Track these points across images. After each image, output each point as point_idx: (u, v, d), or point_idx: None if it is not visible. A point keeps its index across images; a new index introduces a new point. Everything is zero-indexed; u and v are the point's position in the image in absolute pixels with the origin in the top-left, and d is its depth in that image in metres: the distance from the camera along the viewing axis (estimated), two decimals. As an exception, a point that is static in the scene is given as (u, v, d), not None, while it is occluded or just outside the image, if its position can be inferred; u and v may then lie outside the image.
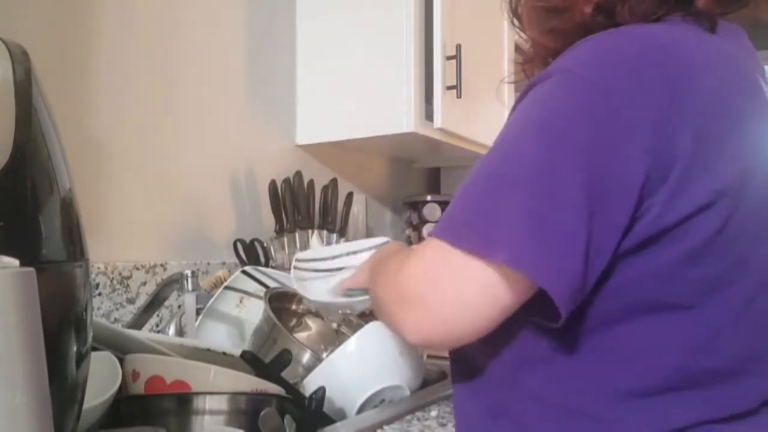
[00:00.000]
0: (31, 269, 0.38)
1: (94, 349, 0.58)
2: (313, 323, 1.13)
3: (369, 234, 1.82)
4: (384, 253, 0.78)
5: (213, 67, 1.36)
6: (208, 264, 1.30)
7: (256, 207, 1.46)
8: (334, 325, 1.14)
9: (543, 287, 0.49)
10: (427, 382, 0.95)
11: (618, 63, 0.52)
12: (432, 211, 1.92)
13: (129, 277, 1.14)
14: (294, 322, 1.12)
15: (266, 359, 0.83)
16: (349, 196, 1.54)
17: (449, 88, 1.49)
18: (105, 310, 1.10)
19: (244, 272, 1.15)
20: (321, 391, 0.79)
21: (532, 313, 0.54)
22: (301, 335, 1.10)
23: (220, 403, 0.72)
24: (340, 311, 1.04)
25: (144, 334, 0.88)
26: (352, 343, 0.87)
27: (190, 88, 1.31)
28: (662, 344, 0.53)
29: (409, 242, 1.95)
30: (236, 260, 1.32)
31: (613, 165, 0.49)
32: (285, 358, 0.82)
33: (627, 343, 0.54)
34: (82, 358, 0.49)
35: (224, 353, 0.84)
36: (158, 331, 1.16)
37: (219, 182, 1.38)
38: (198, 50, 1.33)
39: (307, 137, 1.58)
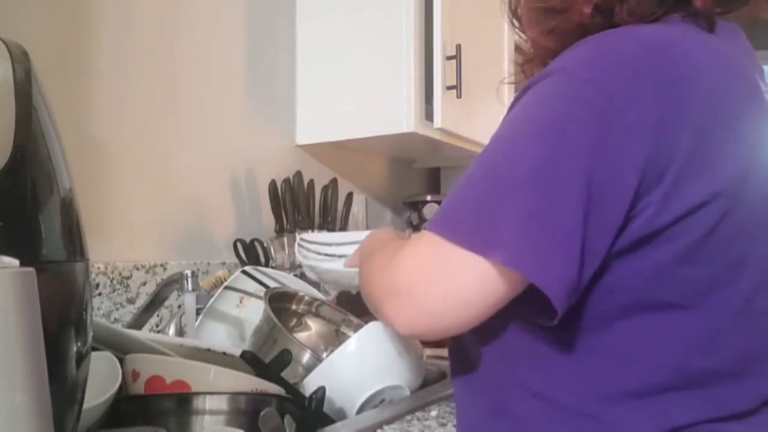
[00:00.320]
0: (31, 269, 0.38)
1: (94, 349, 0.58)
2: (313, 323, 1.13)
3: (369, 234, 1.82)
4: (375, 240, 0.78)
5: (213, 67, 1.36)
6: (208, 264, 1.30)
7: (256, 207, 1.46)
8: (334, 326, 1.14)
9: (538, 285, 0.49)
10: (427, 382, 0.95)
11: (618, 64, 0.52)
12: (432, 211, 1.92)
13: (129, 277, 1.14)
14: (294, 322, 1.12)
15: (266, 359, 0.83)
16: (349, 196, 1.54)
17: (449, 88, 1.49)
18: (105, 310, 1.10)
19: (244, 272, 1.15)
20: (321, 391, 0.79)
21: (529, 312, 0.54)
22: (301, 335, 1.10)
23: (220, 403, 0.72)
24: (338, 283, 1.02)
25: (144, 334, 0.88)
26: (352, 343, 0.87)
27: (190, 88, 1.31)
28: (661, 343, 0.53)
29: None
30: (236, 260, 1.32)
31: (613, 166, 0.49)
32: (285, 358, 0.82)
33: (626, 343, 0.54)
34: (82, 358, 0.49)
35: (224, 353, 0.84)
36: (158, 331, 1.16)
37: (219, 182, 1.38)
38: (198, 50, 1.33)
39: (307, 137, 1.58)
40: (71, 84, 1.09)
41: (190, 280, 1.00)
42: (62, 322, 0.46)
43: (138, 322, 1.07)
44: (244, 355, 0.81)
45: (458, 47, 1.48)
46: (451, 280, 0.53)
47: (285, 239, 1.38)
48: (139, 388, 0.74)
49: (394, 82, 1.46)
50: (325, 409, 0.80)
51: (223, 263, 1.32)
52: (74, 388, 0.49)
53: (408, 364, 0.88)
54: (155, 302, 1.07)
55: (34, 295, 0.38)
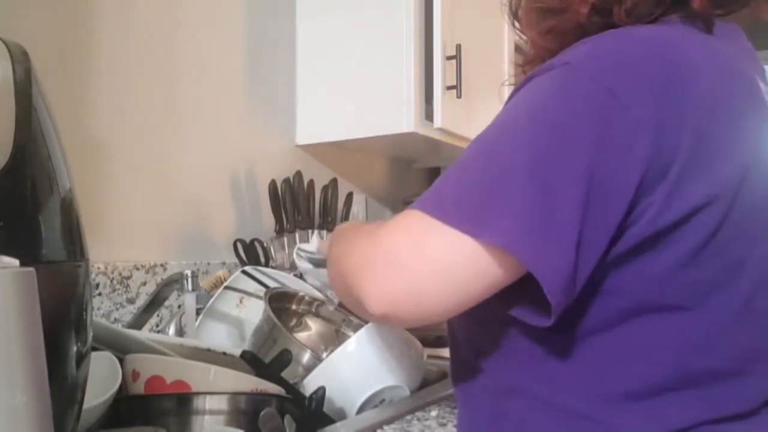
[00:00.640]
0: (31, 269, 0.38)
1: (94, 349, 0.58)
2: (313, 323, 1.13)
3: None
4: (348, 225, 0.74)
5: (213, 67, 1.36)
6: (208, 264, 1.30)
7: (256, 207, 1.46)
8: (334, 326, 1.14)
9: (533, 271, 0.48)
10: (427, 382, 0.95)
11: (617, 64, 0.52)
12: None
13: (129, 277, 1.14)
14: (294, 322, 1.12)
15: (266, 359, 0.83)
16: (349, 196, 1.54)
17: (449, 88, 1.49)
18: (105, 310, 1.10)
19: (244, 272, 1.15)
20: (321, 391, 0.79)
21: (526, 314, 0.53)
22: (301, 335, 1.10)
23: (220, 403, 0.72)
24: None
25: (144, 334, 0.88)
26: (352, 343, 0.87)
27: (190, 88, 1.31)
28: (661, 345, 0.53)
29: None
30: (236, 260, 1.32)
31: (614, 163, 0.49)
32: (285, 358, 0.82)
33: (625, 344, 0.54)
34: (82, 358, 0.49)
35: (224, 353, 0.84)
36: (158, 331, 1.16)
37: (219, 182, 1.38)
38: (198, 50, 1.33)
39: (307, 137, 1.58)
40: (71, 84, 1.09)
41: (190, 280, 1.01)
42: (62, 322, 0.46)
43: (138, 322, 1.07)
44: (244, 355, 0.81)
45: (458, 47, 1.48)
46: (441, 255, 0.50)
47: (285, 239, 1.38)
48: (139, 388, 0.74)
49: (394, 82, 1.46)
50: (325, 409, 0.80)
51: (223, 263, 1.32)
52: (74, 388, 0.49)
53: (408, 364, 0.89)
54: (155, 302, 1.07)
55: (34, 295, 0.38)
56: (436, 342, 1.20)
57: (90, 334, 0.51)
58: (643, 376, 0.53)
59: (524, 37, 0.69)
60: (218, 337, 1.10)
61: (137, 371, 0.75)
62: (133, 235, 1.18)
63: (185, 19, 1.30)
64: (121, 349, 0.78)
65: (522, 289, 0.52)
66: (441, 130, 1.50)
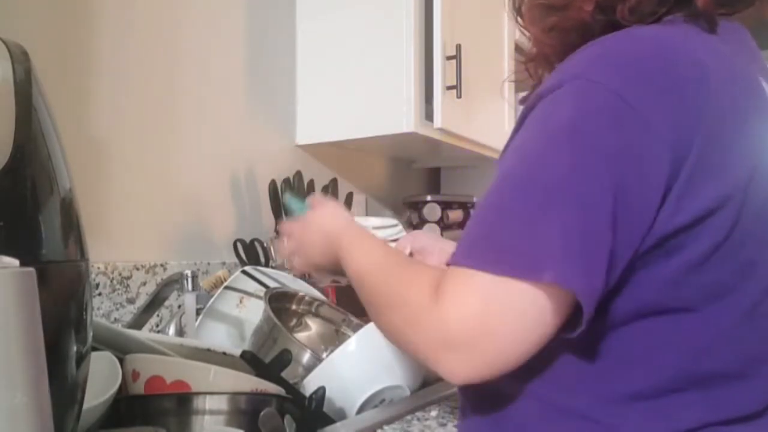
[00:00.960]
0: (31, 269, 0.38)
1: (94, 349, 0.58)
2: (313, 323, 1.13)
3: (369, 234, 1.82)
4: (368, 250, 0.70)
5: (213, 67, 1.36)
6: (208, 264, 1.30)
7: (256, 207, 1.46)
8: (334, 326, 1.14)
9: (581, 300, 0.48)
10: (427, 382, 0.95)
11: (628, 66, 0.52)
12: (432, 211, 1.92)
13: (129, 277, 1.14)
14: (294, 322, 1.12)
15: (266, 359, 0.83)
16: (349, 196, 1.54)
17: (449, 88, 1.49)
18: (105, 310, 1.10)
19: (244, 272, 1.15)
20: (321, 391, 0.79)
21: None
22: (301, 335, 1.10)
23: (220, 403, 0.72)
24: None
25: (144, 334, 0.88)
26: (352, 343, 0.87)
27: (190, 88, 1.31)
28: (667, 346, 0.53)
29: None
30: (236, 260, 1.32)
31: (639, 171, 0.49)
32: (285, 358, 0.82)
33: (631, 346, 0.53)
34: (82, 358, 0.49)
35: (224, 353, 0.84)
36: (158, 331, 1.16)
37: (219, 182, 1.38)
38: (198, 50, 1.33)
39: (307, 137, 1.58)
40: (71, 84, 1.09)
41: (190, 280, 1.01)
42: (62, 322, 0.46)
43: (138, 322, 1.07)
44: (244, 355, 0.81)
45: (458, 47, 1.48)
46: (512, 322, 0.50)
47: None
48: (139, 388, 0.74)
49: (394, 82, 1.46)
50: (325, 409, 0.80)
51: (223, 263, 1.32)
52: (74, 388, 0.49)
53: (408, 364, 0.88)
54: (155, 302, 1.07)
55: (34, 295, 0.38)
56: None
57: (90, 334, 0.51)
58: (648, 377, 0.53)
59: (527, 33, 0.69)
60: (218, 337, 1.10)
61: (137, 371, 0.75)
62: (133, 235, 1.18)
63: (185, 19, 1.30)
64: (121, 349, 0.78)
65: None
66: (441, 130, 1.50)
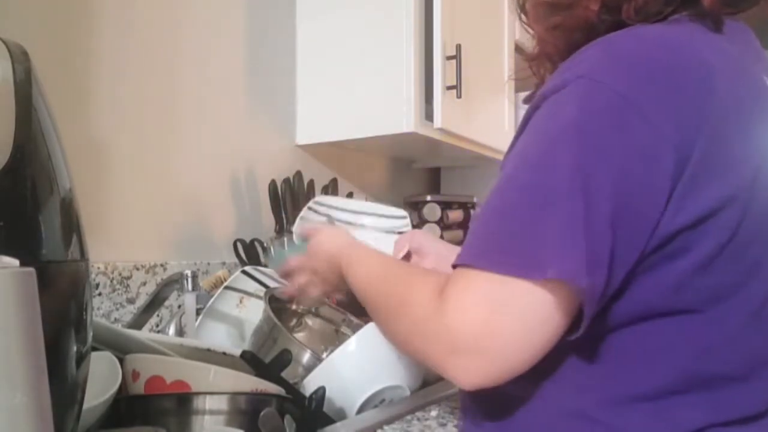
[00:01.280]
0: (31, 269, 0.38)
1: (94, 349, 0.58)
2: (313, 323, 1.13)
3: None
4: (371, 263, 0.73)
5: (213, 67, 1.36)
6: (208, 264, 1.30)
7: (256, 207, 1.46)
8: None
9: (584, 299, 0.48)
10: (427, 382, 0.95)
11: (633, 66, 0.51)
12: (432, 211, 1.92)
13: (129, 277, 1.14)
14: (294, 322, 1.12)
15: (266, 359, 0.83)
16: (349, 196, 1.54)
17: (449, 88, 1.49)
18: (105, 310, 1.10)
19: (244, 272, 1.15)
20: (321, 391, 0.79)
21: None
22: (301, 335, 1.10)
23: (220, 403, 0.72)
24: None
25: (144, 334, 0.88)
26: (352, 343, 0.87)
27: (190, 88, 1.31)
28: (671, 348, 0.53)
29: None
30: (236, 260, 1.32)
31: (643, 171, 0.49)
32: (285, 358, 0.82)
33: (635, 347, 0.53)
34: (82, 358, 0.49)
35: (224, 353, 0.84)
36: (158, 331, 1.16)
37: (219, 182, 1.38)
38: (198, 50, 1.33)
39: (307, 137, 1.58)
40: (71, 84, 1.09)
41: (190, 280, 1.01)
42: (62, 322, 0.46)
43: (138, 322, 1.07)
44: (244, 355, 0.81)
45: (458, 47, 1.48)
46: (518, 325, 0.50)
47: (285, 239, 1.38)
48: (139, 388, 0.74)
49: (394, 82, 1.46)
50: (325, 409, 0.80)
51: (223, 263, 1.32)
52: (74, 388, 0.49)
53: (408, 364, 0.88)
54: (155, 302, 1.07)
55: (34, 295, 0.38)
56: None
57: (90, 334, 0.51)
58: (653, 378, 0.53)
59: (530, 31, 0.68)
60: (218, 337, 1.10)
61: (137, 371, 0.75)
62: (133, 235, 1.18)
63: (185, 19, 1.30)
64: (121, 349, 0.78)
65: None
66: (441, 130, 1.50)
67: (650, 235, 0.50)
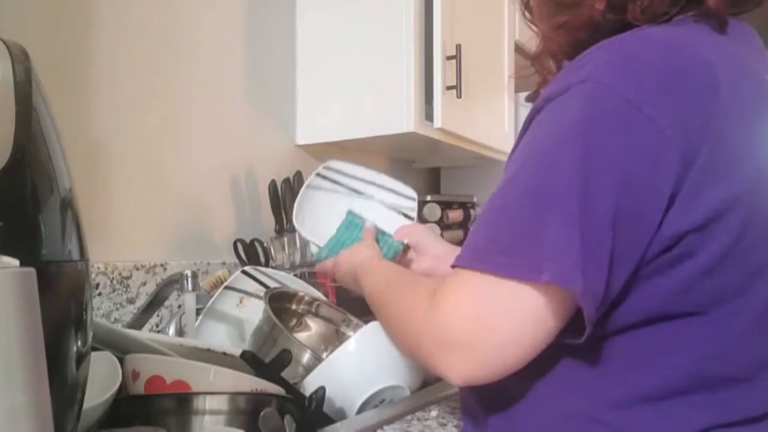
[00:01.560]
0: (31, 269, 0.38)
1: (94, 349, 0.58)
2: (313, 323, 1.13)
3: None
4: (379, 273, 0.79)
5: (213, 67, 1.36)
6: (208, 264, 1.30)
7: (256, 207, 1.46)
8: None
9: (581, 303, 0.48)
10: (427, 382, 0.95)
11: (638, 69, 0.51)
12: (432, 211, 1.92)
13: (129, 277, 1.14)
14: (294, 322, 1.12)
15: (266, 359, 0.83)
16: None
17: (449, 88, 1.49)
18: (105, 310, 1.10)
19: (244, 272, 1.15)
20: (321, 391, 0.79)
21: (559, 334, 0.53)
22: (301, 335, 1.10)
23: (220, 403, 0.72)
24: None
25: (144, 334, 0.88)
26: (352, 343, 0.87)
27: (190, 88, 1.31)
28: (677, 350, 0.53)
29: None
30: (236, 260, 1.32)
31: (646, 174, 0.49)
32: (285, 358, 0.82)
33: (640, 350, 0.53)
34: (82, 358, 0.49)
35: (224, 353, 0.84)
36: (158, 331, 1.16)
37: (219, 182, 1.38)
38: (198, 50, 1.33)
39: (307, 137, 1.58)
40: (71, 84, 1.09)
41: (190, 280, 1.00)
42: (62, 322, 0.46)
43: (138, 322, 1.07)
44: (244, 355, 0.81)
45: (458, 47, 1.48)
46: (509, 322, 0.51)
47: (285, 239, 1.38)
48: (139, 388, 0.74)
49: (394, 82, 1.46)
50: (325, 409, 0.80)
51: (223, 263, 1.32)
52: (74, 388, 0.49)
53: (408, 364, 0.88)
54: (155, 302, 1.07)
55: (34, 295, 0.38)
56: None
57: (90, 334, 0.51)
58: (658, 380, 0.53)
59: (534, 29, 0.68)
60: (218, 337, 1.10)
61: (137, 371, 0.75)
62: (133, 235, 1.18)
63: (185, 19, 1.30)
64: (121, 349, 0.78)
65: None
66: (441, 130, 1.50)
67: (653, 237, 0.50)
